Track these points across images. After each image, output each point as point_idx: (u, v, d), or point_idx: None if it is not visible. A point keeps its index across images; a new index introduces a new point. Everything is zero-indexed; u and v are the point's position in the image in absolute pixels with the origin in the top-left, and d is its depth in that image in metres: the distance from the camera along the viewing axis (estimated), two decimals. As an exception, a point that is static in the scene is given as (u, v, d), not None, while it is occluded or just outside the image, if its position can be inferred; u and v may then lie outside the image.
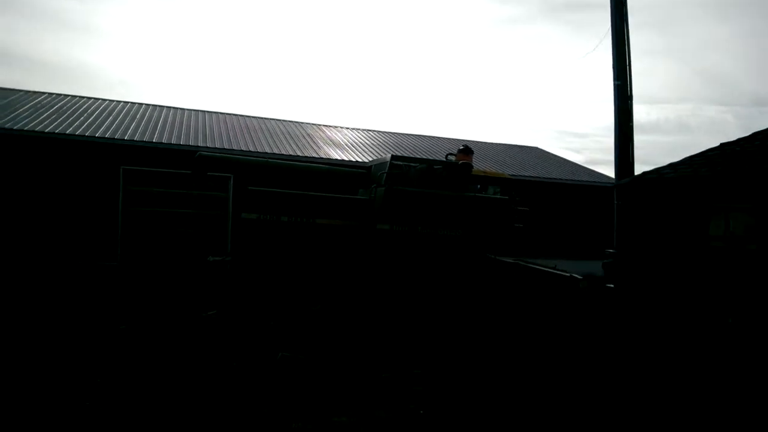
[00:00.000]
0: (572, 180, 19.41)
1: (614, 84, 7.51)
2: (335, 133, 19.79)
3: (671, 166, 6.96)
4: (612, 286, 7.75)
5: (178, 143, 14.63)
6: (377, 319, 9.52)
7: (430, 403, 5.60)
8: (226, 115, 19.41)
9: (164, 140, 14.73)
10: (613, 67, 7.56)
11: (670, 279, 6.61)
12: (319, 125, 20.70)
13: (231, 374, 6.41)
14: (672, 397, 6.02)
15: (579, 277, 10.32)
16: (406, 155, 10.52)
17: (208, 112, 19.36)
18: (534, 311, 10.27)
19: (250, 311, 9.27)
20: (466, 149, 11.40)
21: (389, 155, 10.22)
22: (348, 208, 9.97)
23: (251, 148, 15.19)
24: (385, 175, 9.87)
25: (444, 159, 11.30)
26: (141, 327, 8.49)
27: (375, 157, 14.97)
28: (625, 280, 7.24)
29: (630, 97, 7.44)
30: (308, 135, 18.51)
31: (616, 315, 7.61)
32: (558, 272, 10.65)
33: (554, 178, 18.89)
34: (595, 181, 19.93)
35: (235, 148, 15.10)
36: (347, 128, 21.21)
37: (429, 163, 10.51)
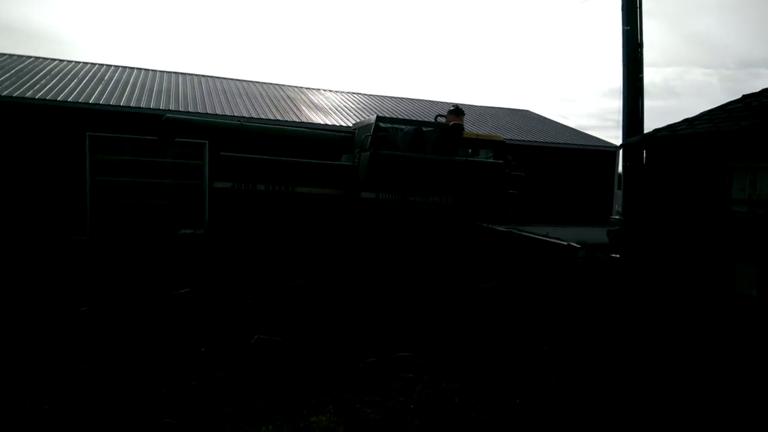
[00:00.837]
0: (567, 144, 18.70)
1: (623, 29, 6.70)
2: (318, 97, 18.76)
3: (687, 121, 6.25)
4: (617, 255, 7.14)
5: (148, 107, 13.58)
6: (363, 296, 8.88)
7: (419, 396, 4.98)
8: (201, 77, 18.25)
9: (133, 104, 13.66)
10: (622, 9, 6.73)
11: (685, 247, 5.99)
12: (301, 88, 19.60)
13: (197, 361, 5.73)
14: (689, 378, 5.47)
15: (577, 245, 9.75)
16: (392, 117, 9.70)
17: (181, 73, 18.18)
18: (529, 283, 9.69)
19: (226, 289, 8.57)
20: (457, 110, 10.58)
21: (374, 116, 9.37)
22: (330, 175, 9.19)
23: (227, 112, 14.19)
24: (369, 138, 9.06)
25: (433, 121, 10.47)
26: (105, 308, 7.77)
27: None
28: (634, 249, 6.63)
29: (640, 45, 6.66)
30: (289, 98, 17.48)
31: (623, 287, 7.02)
32: (555, 241, 10.06)
33: (549, 142, 18.17)
34: (591, 145, 19.26)
35: (210, 111, 14.10)
36: (331, 91, 20.15)
37: (417, 125, 9.69)
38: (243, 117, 13.64)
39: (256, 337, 6.63)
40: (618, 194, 21.04)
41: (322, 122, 15.07)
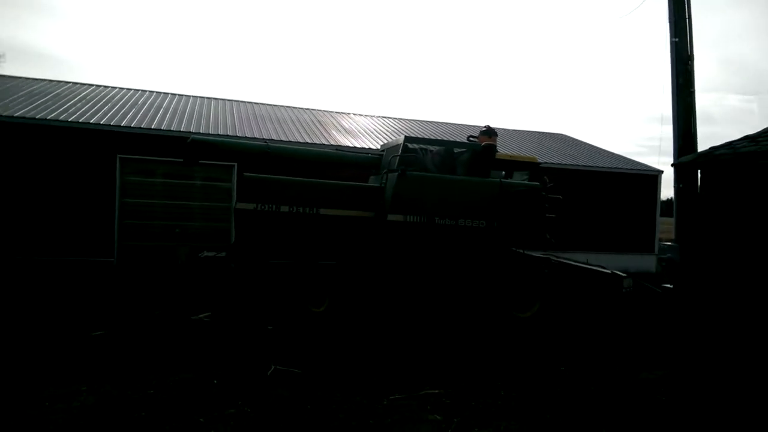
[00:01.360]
0: (605, 167, 17.95)
1: (671, 41, 6.17)
2: (347, 120, 18.63)
3: (748, 138, 5.62)
4: (670, 285, 6.45)
5: (178, 130, 13.64)
6: (389, 324, 8.37)
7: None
8: (231, 101, 18.40)
9: (163, 127, 13.75)
10: (669, 21, 6.21)
11: (749, 277, 5.30)
12: (331, 112, 19.54)
13: (209, 394, 5.32)
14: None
15: (623, 274, 9.01)
16: (421, 137, 9.30)
17: (211, 98, 18.37)
18: (569, 314, 8.99)
19: (246, 314, 8.21)
20: (489, 130, 10.12)
21: (402, 136, 9.00)
22: (356, 197, 8.81)
23: (256, 135, 14.13)
24: (397, 158, 8.67)
25: (465, 141, 10.03)
26: (120, 332, 7.49)
27: (389, 144, 13.77)
28: (690, 279, 5.95)
29: (691, 57, 6.10)
30: (318, 122, 17.39)
31: (677, 321, 6.32)
32: (597, 269, 9.35)
33: (587, 166, 17.46)
34: (631, 169, 18.45)
35: (239, 134, 14.06)
36: (361, 115, 20.03)
37: (448, 145, 9.27)
38: (271, 140, 13.53)
39: (273, 367, 6.20)
40: (661, 221, 20.01)
41: (350, 145, 14.84)
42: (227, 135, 13.81)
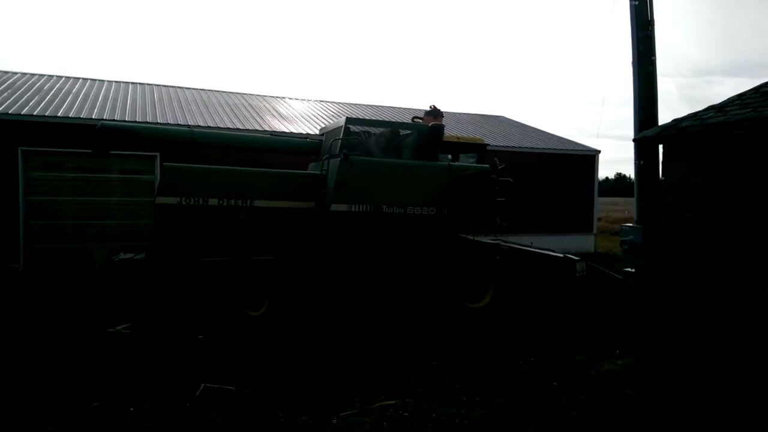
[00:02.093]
0: (546, 149, 17.95)
1: (630, 5, 5.77)
2: (283, 105, 17.55)
3: (714, 108, 5.31)
4: (632, 269, 6.12)
5: (90, 117, 12.16)
6: (334, 325, 7.65)
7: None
8: (151, 86, 16.84)
9: (72, 114, 12.22)
10: (629, -20, 5.82)
11: (719, 259, 5.01)
12: (265, 96, 18.36)
13: (122, 426, 4.42)
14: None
15: (576, 257, 8.72)
16: (364, 118, 8.52)
17: (127, 82, 16.71)
18: (522, 302, 8.62)
19: (171, 324, 7.23)
20: (435, 111, 9.51)
21: (344, 118, 8.23)
22: (294, 186, 7.97)
23: (180, 122, 12.87)
24: (339, 142, 7.91)
25: (410, 122, 9.39)
26: (20, 352, 6.35)
27: (328, 128, 12.94)
28: (655, 262, 5.62)
29: (651, 23, 5.71)
30: (250, 106, 16.22)
31: (641, 307, 5.99)
32: (550, 253, 9.03)
33: (527, 147, 17.37)
34: (570, 150, 18.59)
35: (161, 121, 12.75)
36: (298, 99, 18.98)
37: (393, 126, 8.58)
38: (197, 126, 12.33)
39: (202, 386, 5.35)
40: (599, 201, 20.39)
41: (286, 130, 13.87)
42: (146, 122, 12.46)
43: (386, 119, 15.53)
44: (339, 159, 7.67)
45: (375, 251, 8.08)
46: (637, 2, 5.68)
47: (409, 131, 8.69)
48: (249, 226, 7.69)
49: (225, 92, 17.83)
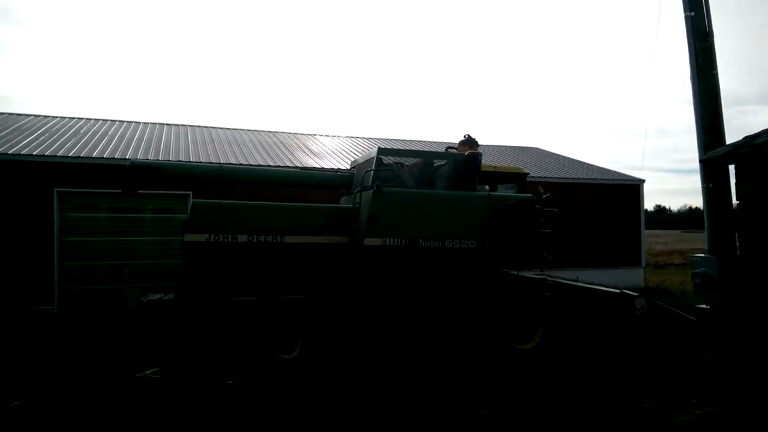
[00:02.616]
0: (586, 179, 17.26)
1: (685, 17, 5.30)
2: (314, 142, 17.52)
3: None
4: (706, 306, 5.43)
5: (123, 157, 12.26)
6: (372, 368, 7.12)
7: None
8: (185, 127, 17.08)
9: (106, 155, 12.35)
10: (683, -8, 5.39)
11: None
12: (296, 134, 18.42)
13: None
14: None
15: (634, 293, 7.98)
16: (396, 149, 8.11)
17: (162, 124, 16.99)
18: (576, 345, 7.88)
19: (200, 368, 6.84)
20: (470, 140, 9.12)
21: (376, 148, 7.91)
22: (326, 220, 7.63)
23: (212, 160, 12.85)
24: (371, 173, 7.56)
25: (444, 152, 9.01)
26: (45, 400, 6.04)
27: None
28: (734, 296, 4.95)
29: (710, 34, 5.24)
30: (281, 143, 16.22)
31: (718, 348, 5.28)
32: (605, 289, 8.31)
33: (567, 178, 16.73)
34: (613, 179, 17.84)
35: (193, 160, 12.76)
36: (328, 136, 18.95)
37: (427, 156, 8.21)
38: (228, 163, 12.25)
39: (229, 439, 4.88)
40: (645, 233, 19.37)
41: (317, 166, 13.70)
42: (178, 160, 12.48)
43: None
44: (371, 191, 7.31)
45: (412, 288, 7.59)
46: (692, 13, 5.22)
47: (443, 161, 8.30)
48: (280, 263, 7.35)
49: (256, 131, 17.95)
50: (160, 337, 7.08)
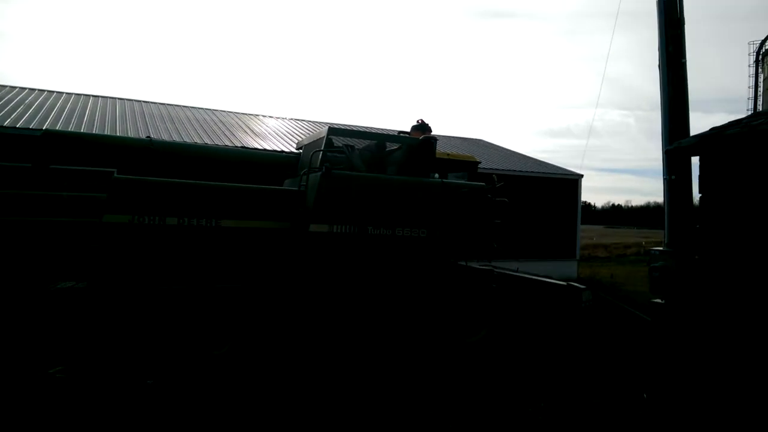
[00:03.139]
0: (529, 172, 17.41)
1: (658, 3, 5.10)
2: (256, 122, 16.58)
3: (761, 115, 4.64)
4: (659, 300, 5.31)
5: (38, 128, 10.93)
6: (312, 363, 6.60)
7: None
8: (114, 99, 15.66)
9: (19, 125, 10.98)
10: (653, -21, 5.18)
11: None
12: (237, 113, 17.38)
13: None
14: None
15: (581, 286, 7.90)
16: (347, 129, 7.50)
17: (86, 95, 15.46)
18: (520, 338, 7.73)
19: (116, 366, 6.06)
20: (423, 125, 8.73)
21: (326, 128, 7.33)
22: (268, 204, 6.98)
23: (143, 136, 11.74)
24: (320, 154, 6.99)
25: (398, 134, 8.55)
26: None
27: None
28: (693, 290, 4.83)
29: (681, 21, 5.07)
30: (221, 122, 15.20)
31: (675, 344, 5.16)
32: (551, 281, 8.20)
33: (511, 170, 16.78)
34: (553, 173, 18.11)
35: (121, 135, 11.60)
36: (272, 117, 18.04)
37: (379, 139, 7.72)
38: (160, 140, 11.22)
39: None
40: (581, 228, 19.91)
41: (260, 147, 12.88)
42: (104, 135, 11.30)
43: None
44: (320, 173, 6.74)
45: (359, 278, 7.12)
46: (665, -1, 5.02)
47: (397, 145, 7.86)
48: (214, 249, 6.64)
49: (192, 107, 16.77)
50: (70, 329, 6.22)
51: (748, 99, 32.70)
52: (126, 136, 10.05)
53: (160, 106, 15.87)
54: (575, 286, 7.61)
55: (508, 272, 8.59)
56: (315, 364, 6.56)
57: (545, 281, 7.97)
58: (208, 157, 8.12)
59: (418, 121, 8.90)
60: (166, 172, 7.35)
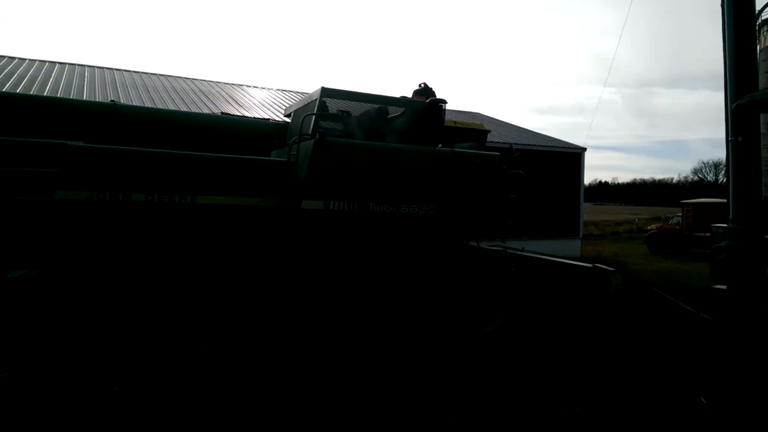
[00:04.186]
0: (530, 145, 16.52)
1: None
2: (240, 93, 15.39)
3: None
4: (723, 287, 4.47)
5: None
6: (302, 361, 5.72)
7: None
8: (85, 67, 14.32)
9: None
10: None
11: None
12: (218, 83, 16.15)
13: None
14: None
15: (609, 268, 7.06)
16: (343, 90, 6.43)
17: (51, 62, 14.09)
18: (544, 326, 6.91)
19: (73, 369, 5.13)
20: (426, 89, 7.76)
21: (319, 88, 6.30)
22: (252, 177, 5.99)
23: (112, 103, 10.57)
24: (312, 119, 6.00)
25: (400, 98, 7.56)
26: None
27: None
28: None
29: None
30: (201, 91, 14.00)
31: (740, 336, 4.34)
32: (575, 263, 7.36)
33: (516, 144, 15.85)
34: (555, 146, 17.24)
35: (77, 99, 10.41)
36: (257, 87, 16.83)
37: (380, 101, 6.71)
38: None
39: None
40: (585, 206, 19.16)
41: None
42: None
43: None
44: (312, 141, 5.76)
45: (359, 262, 6.22)
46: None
47: (401, 110, 6.87)
48: (189, 230, 5.68)
49: (170, 76, 15.49)
50: (20, 326, 5.26)
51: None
52: (85, 99, 8.89)
53: (134, 74, 14.56)
54: (603, 269, 6.76)
55: (522, 253, 7.73)
56: (310, 362, 5.68)
57: (568, 263, 7.13)
58: (182, 125, 7.05)
59: (420, 85, 7.91)
60: (133, 141, 6.32)
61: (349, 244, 6.09)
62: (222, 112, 10.41)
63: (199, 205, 5.66)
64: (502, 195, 6.86)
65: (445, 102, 6.74)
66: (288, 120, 7.65)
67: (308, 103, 6.50)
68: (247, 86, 16.65)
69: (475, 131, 8.08)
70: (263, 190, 5.97)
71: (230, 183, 5.84)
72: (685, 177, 75.95)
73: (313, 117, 5.93)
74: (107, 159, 5.47)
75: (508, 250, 7.60)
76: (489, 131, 8.26)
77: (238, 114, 12.03)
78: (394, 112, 7.04)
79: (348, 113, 6.83)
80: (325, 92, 6.22)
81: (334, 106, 6.56)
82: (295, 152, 6.01)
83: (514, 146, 7.35)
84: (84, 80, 12.74)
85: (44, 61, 13.95)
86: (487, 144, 10.19)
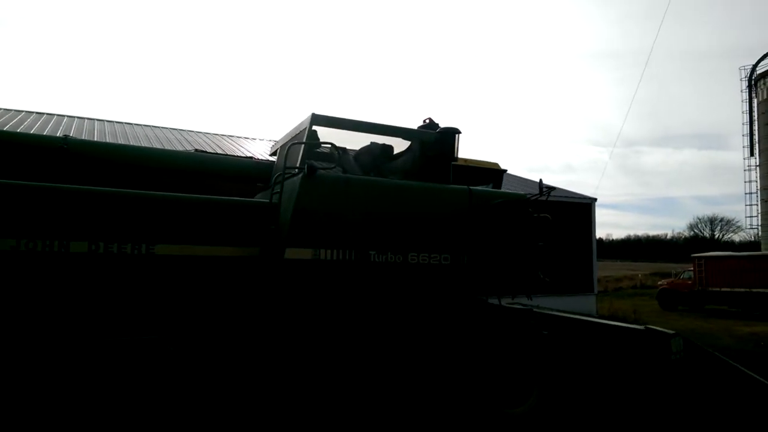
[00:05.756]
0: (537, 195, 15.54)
1: None
2: (230, 143, 14.52)
3: None
4: None
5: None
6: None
7: None
8: (64, 117, 13.47)
9: None
10: None
11: None
12: (207, 133, 15.32)
13: None
14: None
15: (668, 332, 5.80)
16: (336, 117, 5.38)
17: (32, 112, 13.22)
18: (587, 407, 5.58)
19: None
20: (432, 125, 6.78)
21: (309, 114, 5.29)
22: (224, 222, 4.86)
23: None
24: (301, 149, 4.95)
25: (404, 128, 6.54)
26: None
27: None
28: None
29: None
30: (189, 142, 13.11)
31: None
32: (622, 325, 6.10)
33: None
34: (563, 196, 16.29)
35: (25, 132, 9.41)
36: (254, 139, 15.99)
37: (382, 130, 5.64)
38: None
39: None
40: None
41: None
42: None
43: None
44: (300, 176, 4.69)
45: (357, 325, 4.98)
46: None
47: (407, 144, 5.85)
48: (144, 287, 4.48)
49: (155, 127, 14.68)
50: None
51: (743, 124, 31.72)
52: (32, 133, 7.88)
53: (116, 125, 13.72)
54: (661, 331, 5.47)
55: (555, 313, 6.46)
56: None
57: (616, 325, 5.85)
58: (147, 164, 5.98)
59: (425, 121, 6.94)
60: (87, 181, 5.23)
61: (345, 303, 4.88)
62: (195, 150, 9.40)
63: (156, 256, 4.50)
64: (528, 242, 5.72)
65: (458, 132, 5.74)
66: (275, 159, 6.62)
67: (296, 134, 5.48)
68: (239, 137, 15.84)
69: (489, 171, 7.06)
70: (238, 238, 4.83)
71: (196, 229, 4.71)
72: (679, 233, 75.67)
73: (302, 147, 4.88)
74: (38, 199, 4.35)
75: (535, 309, 6.35)
76: (505, 171, 7.24)
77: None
78: (399, 149, 6.04)
79: (344, 149, 5.81)
80: (316, 119, 5.21)
81: (327, 138, 5.53)
82: (278, 191, 4.91)
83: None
84: (71, 131, 11.85)
85: (19, 111, 13.13)
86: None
